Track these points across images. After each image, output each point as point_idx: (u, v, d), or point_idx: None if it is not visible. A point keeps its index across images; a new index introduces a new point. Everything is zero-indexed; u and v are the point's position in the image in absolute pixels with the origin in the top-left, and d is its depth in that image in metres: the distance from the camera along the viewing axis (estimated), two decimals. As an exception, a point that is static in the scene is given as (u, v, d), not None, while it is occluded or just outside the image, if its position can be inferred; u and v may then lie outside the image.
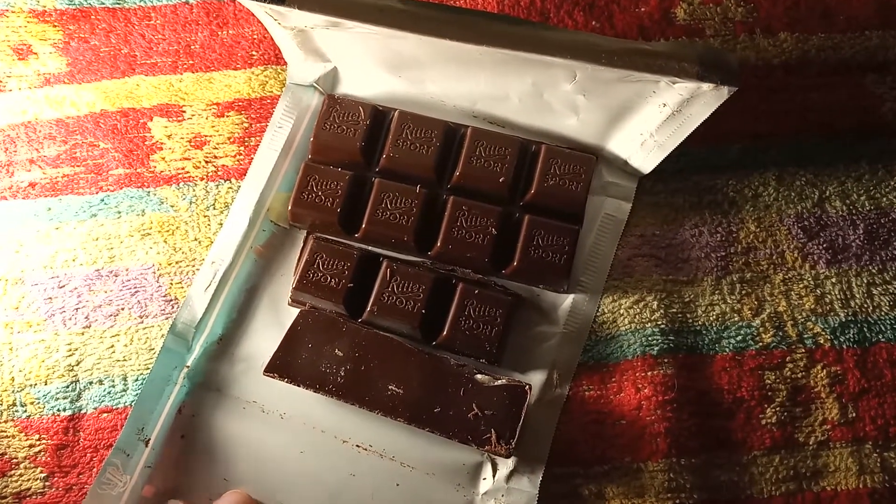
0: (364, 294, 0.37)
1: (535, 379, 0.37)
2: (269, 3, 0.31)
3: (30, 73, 0.42)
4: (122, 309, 0.38)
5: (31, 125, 0.42)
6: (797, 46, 0.42)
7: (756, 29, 0.43)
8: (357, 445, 0.36)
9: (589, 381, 0.37)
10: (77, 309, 0.38)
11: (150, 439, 0.36)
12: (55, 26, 0.43)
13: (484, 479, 0.36)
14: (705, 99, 0.32)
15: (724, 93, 0.31)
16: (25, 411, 0.37)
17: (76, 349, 0.38)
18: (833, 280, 0.39)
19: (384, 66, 0.38)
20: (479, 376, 0.35)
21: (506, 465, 0.35)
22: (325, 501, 0.36)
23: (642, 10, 0.43)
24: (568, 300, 0.38)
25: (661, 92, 0.33)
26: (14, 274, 0.39)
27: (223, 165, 0.41)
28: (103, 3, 0.44)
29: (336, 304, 0.37)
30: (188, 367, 0.37)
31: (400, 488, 0.36)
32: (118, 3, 0.44)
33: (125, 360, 0.38)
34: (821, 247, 0.39)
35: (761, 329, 0.38)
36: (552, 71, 0.34)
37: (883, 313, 0.38)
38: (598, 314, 0.38)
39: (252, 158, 0.40)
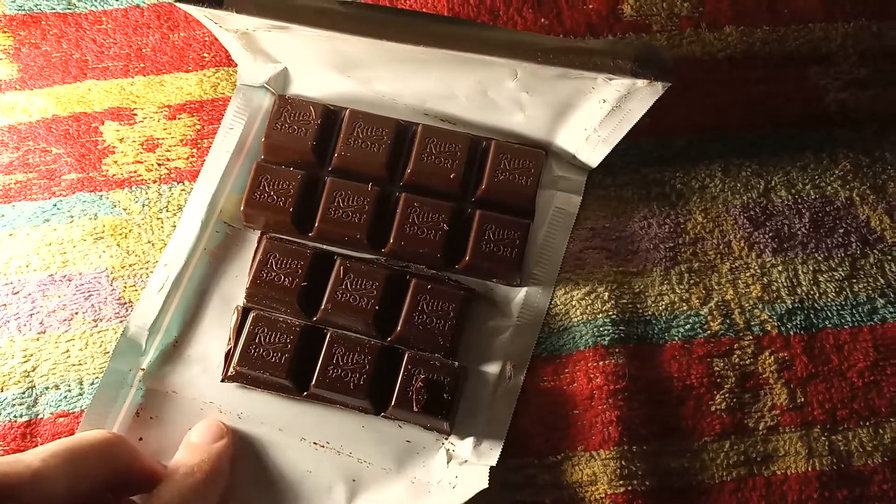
0: (318, 292, 0.37)
1: (490, 371, 0.37)
2: (205, 6, 0.31)
3: (-20, 80, 0.42)
4: (77, 313, 0.38)
5: (-17, 132, 0.42)
6: (742, 40, 0.43)
7: (702, 23, 0.44)
8: (314, 443, 0.37)
9: (542, 373, 0.38)
10: (31, 315, 0.38)
11: (106, 443, 0.36)
12: (5, 32, 0.43)
13: (438, 469, 0.36)
14: (642, 95, 0.33)
15: (659, 88, 0.32)
16: (-19, 418, 0.37)
17: (31, 355, 0.38)
18: (779, 268, 0.40)
19: (332, 67, 0.39)
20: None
21: (459, 457, 0.36)
22: (283, 499, 0.36)
23: (590, 6, 0.44)
24: (521, 293, 0.39)
25: (599, 88, 0.34)
26: (-33, 281, 0.39)
27: (175, 168, 0.41)
28: (54, 9, 0.44)
29: (290, 303, 0.37)
30: (143, 369, 0.37)
31: (357, 484, 0.36)
32: (69, 8, 0.44)
33: (81, 364, 0.38)
34: (767, 236, 0.40)
35: (709, 317, 0.39)
36: (494, 69, 0.34)
37: (829, 300, 0.39)
38: (550, 306, 0.39)
39: (204, 160, 0.40)
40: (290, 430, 0.37)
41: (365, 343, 0.36)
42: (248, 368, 0.36)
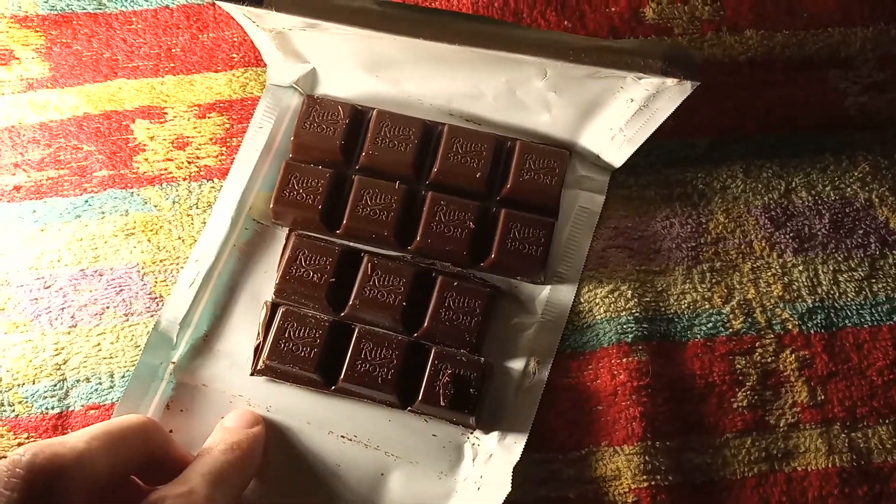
0: (346, 289, 0.38)
1: (515, 367, 0.38)
2: (246, 5, 0.32)
3: (13, 79, 0.43)
4: (108, 307, 0.39)
5: (15, 129, 0.42)
6: (762, 43, 0.44)
7: (723, 27, 0.44)
8: (342, 436, 0.37)
9: (566, 370, 0.38)
10: (63, 308, 0.39)
11: (137, 435, 0.36)
12: (37, 31, 0.44)
13: (464, 464, 0.37)
14: (670, 94, 0.34)
15: (688, 87, 0.32)
16: (14, 411, 0.38)
17: (63, 348, 0.39)
18: (800, 268, 0.40)
19: (362, 67, 0.39)
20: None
21: (484, 451, 0.36)
22: (311, 493, 0.36)
23: (613, 9, 0.44)
24: (545, 291, 0.39)
25: (628, 87, 0.35)
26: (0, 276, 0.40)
27: (205, 165, 0.41)
28: (85, 9, 0.44)
29: (319, 299, 0.38)
30: (174, 363, 0.38)
31: (384, 478, 0.37)
32: (100, 8, 0.44)
33: (112, 357, 0.38)
34: (788, 236, 0.41)
35: (731, 316, 0.39)
36: (523, 69, 0.35)
37: (849, 299, 0.40)
38: (574, 303, 0.39)
39: (234, 158, 0.41)
40: (318, 423, 0.37)
41: (392, 338, 0.37)
42: (277, 362, 0.37)
